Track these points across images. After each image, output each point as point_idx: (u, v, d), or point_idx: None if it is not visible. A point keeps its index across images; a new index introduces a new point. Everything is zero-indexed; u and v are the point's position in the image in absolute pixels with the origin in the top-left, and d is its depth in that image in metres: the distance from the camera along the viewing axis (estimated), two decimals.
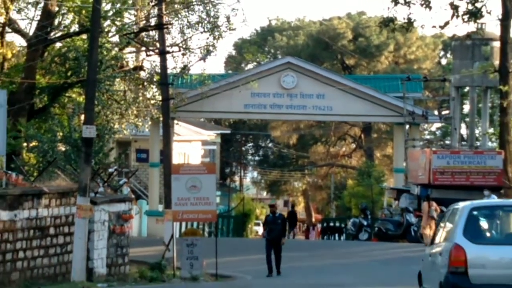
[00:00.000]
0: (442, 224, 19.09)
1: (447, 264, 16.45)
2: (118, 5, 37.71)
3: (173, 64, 40.17)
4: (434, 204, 42.20)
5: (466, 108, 58.66)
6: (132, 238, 36.51)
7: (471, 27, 49.48)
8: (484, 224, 17.40)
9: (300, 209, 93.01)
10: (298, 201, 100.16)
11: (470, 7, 46.74)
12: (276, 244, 31.88)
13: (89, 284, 27.13)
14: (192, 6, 39.39)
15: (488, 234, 17.44)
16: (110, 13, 37.36)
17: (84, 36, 36.52)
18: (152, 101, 40.27)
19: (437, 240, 18.70)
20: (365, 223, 51.17)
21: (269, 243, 32.00)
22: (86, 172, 28.30)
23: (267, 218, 34.48)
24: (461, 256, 16.18)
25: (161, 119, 40.23)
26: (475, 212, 17.43)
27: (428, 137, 73.11)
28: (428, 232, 40.03)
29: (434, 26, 58.65)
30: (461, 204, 18.51)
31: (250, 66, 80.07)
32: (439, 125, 74.61)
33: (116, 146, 49.73)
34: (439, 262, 17.44)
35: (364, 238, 49.43)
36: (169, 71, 38.92)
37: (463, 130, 58.97)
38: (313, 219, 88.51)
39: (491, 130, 55.25)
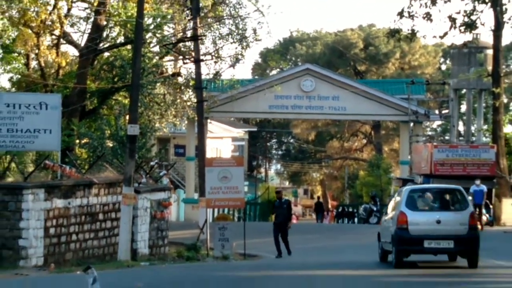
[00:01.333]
0: (392, 200, 26.33)
1: (396, 224, 22.46)
2: (159, 20, 37.22)
3: (206, 71, 40.22)
4: None
5: (463, 108, 57.87)
6: (171, 222, 35.76)
7: (467, 36, 48.84)
8: (417, 199, 23.90)
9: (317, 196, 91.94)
10: (316, 189, 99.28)
11: (466, 19, 46.02)
12: (282, 227, 30.69)
13: (133, 263, 26.46)
14: (223, 20, 39.33)
15: (419, 205, 23.72)
16: (152, 26, 37.28)
17: (129, 47, 36.65)
18: (188, 103, 40.13)
19: (389, 211, 25.40)
20: (374, 208, 50.76)
21: (276, 227, 30.90)
22: (131, 165, 27.67)
23: (274, 203, 33.77)
24: (404, 218, 22.24)
25: (196, 118, 39.89)
26: (412, 193, 24.35)
27: (430, 133, 72.32)
28: None
29: (434, 36, 57.42)
30: (404, 188, 29.05)
31: (273, 72, 79.63)
32: (439, 122, 74.30)
33: (157, 142, 49.47)
34: (391, 224, 23.60)
35: (374, 222, 48.84)
36: (203, 76, 39.08)
37: (461, 127, 58.29)
38: (329, 205, 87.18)
39: (485, 127, 55.04)
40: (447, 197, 25.49)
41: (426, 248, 23.54)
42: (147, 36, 35.86)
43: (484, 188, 40.16)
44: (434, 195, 25.74)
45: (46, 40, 39.97)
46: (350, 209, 59.80)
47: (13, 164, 29.59)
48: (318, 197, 54.63)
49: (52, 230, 25.54)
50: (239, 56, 40.78)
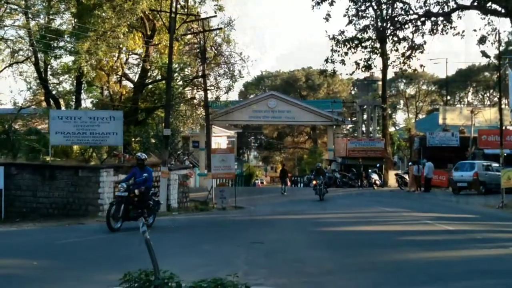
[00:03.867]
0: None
1: None
2: (181, 65, 37.79)
3: (211, 96, 40.19)
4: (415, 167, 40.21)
5: (365, 116, 59.17)
6: (191, 188, 35.73)
7: (366, 74, 49.81)
8: None
9: (279, 171, 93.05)
10: (278, 167, 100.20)
11: (365, 63, 47.06)
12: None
13: (168, 213, 26.87)
14: (220, 65, 39.45)
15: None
16: (177, 69, 37.28)
17: (163, 81, 36.77)
18: (200, 116, 40.35)
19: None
20: (313, 177, 51.50)
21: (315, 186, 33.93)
22: (166, 153, 28.15)
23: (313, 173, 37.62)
24: None
25: (205, 124, 40.30)
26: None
27: (345, 132, 73.15)
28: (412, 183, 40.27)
29: (347, 74, 57.81)
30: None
31: (251, 96, 79.78)
32: (350, 125, 74.66)
33: (181, 139, 49.88)
34: None
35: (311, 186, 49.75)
36: (208, 99, 38.88)
37: (364, 128, 59.43)
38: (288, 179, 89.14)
39: (377, 128, 55.57)
40: None
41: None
42: (174, 75, 35.41)
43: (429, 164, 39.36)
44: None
45: (113, 78, 39.02)
46: (298, 179, 61.17)
47: (94, 154, 30.13)
48: (283, 164, 55.47)
49: None
50: (231, 87, 39.42)
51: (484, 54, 38.43)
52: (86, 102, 43.41)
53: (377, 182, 45.74)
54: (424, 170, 39.23)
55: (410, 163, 40.41)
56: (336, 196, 36.64)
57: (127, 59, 41.35)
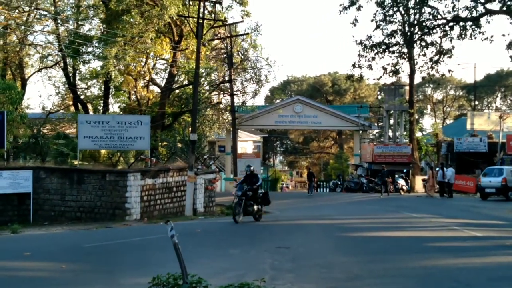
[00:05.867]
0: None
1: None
2: (208, 70, 37.95)
3: (237, 101, 40.29)
4: (432, 172, 40.08)
5: (392, 121, 58.93)
6: (217, 192, 35.36)
7: (394, 79, 49.47)
8: None
9: (304, 176, 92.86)
10: (304, 172, 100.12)
11: (393, 68, 46.87)
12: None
13: (194, 217, 27.13)
14: (247, 70, 39.51)
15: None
16: (204, 74, 37.46)
17: (190, 86, 36.87)
18: (226, 120, 40.40)
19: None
20: (339, 182, 51.31)
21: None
22: (192, 158, 28.31)
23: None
24: None
25: (231, 129, 40.37)
26: None
27: (371, 137, 72.86)
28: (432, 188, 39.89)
29: (374, 79, 57.50)
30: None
31: (277, 101, 79.86)
32: (377, 130, 74.32)
33: (208, 144, 50.06)
34: None
35: (339, 191, 49.49)
36: (235, 104, 38.92)
37: (390, 133, 59.16)
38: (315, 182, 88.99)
39: (404, 133, 55.17)
40: None
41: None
42: (201, 80, 35.91)
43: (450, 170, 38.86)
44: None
45: (141, 83, 40.29)
46: (324, 183, 61.00)
47: (121, 158, 30.53)
48: (309, 168, 55.32)
49: (145, 197, 26.10)
50: (257, 92, 41.14)
51: None
52: (114, 107, 43.85)
53: (404, 188, 45.50)
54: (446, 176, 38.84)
55: (437, 168, 39.89)
56: (363, 201, 36.47)
57: (154, 64, 41.94)
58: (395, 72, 47.11)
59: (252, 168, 23.55)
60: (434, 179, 39.58)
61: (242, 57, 40.32)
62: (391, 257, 13.64)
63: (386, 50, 46.71)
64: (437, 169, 39.44)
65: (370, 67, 46.81)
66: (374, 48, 46.56)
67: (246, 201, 22.08)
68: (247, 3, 38.12)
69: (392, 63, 46.93)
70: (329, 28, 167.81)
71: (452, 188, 39.15)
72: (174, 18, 34.65)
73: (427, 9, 45.54)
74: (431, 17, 45.32)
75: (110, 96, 40.67)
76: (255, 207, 22.52)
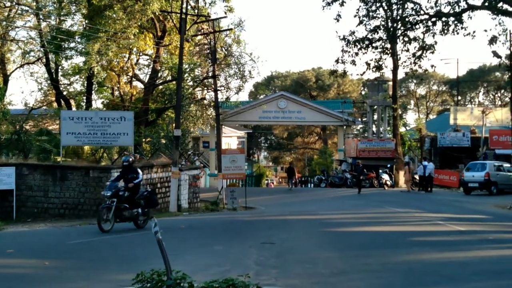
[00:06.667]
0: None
1: None
2: (192, 65, 37.80)
3: (221, 96, 40.17)
4: (409, 168, 41.15)
5: (376, 117, 59.04)
6: (201, 188, 35.79)
7: (377, 74, 49.54)
8: None
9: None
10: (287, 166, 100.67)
11: (376, 64, 46.91)
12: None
13: (178, 213, 27.04)
14: (230, 66, 39.42)
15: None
16: (188, 70, 37.35)
17: (174, 82, 36.77)
18: (210, 116, 40.26)
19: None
20: (323, 178, 51.33)
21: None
22: (176, 154, 28.21)
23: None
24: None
25: (215, 125, 40.25)
26: None
27: (355, 132, 73.11)
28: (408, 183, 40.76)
29: (357, 74, 57.68)
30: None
31: (261, 96, 79.91)
32: (361, 126, 74.53)
33: (192, 140, 49.94)
34: None
35: (323, 186, 49.51)
36: (219, 100, 38.76)
37: (374, 128, 59.35)
38: (296, 176, 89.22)
39: (388, 128, 55.45)
40: None
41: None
42: (185, 76, 35.63)
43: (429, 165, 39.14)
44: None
45: (124, 79, 40.03)
46: (309, 178, 61.00)
47: (105, 154, 30.19)
48: (290, 163, 55.15)
49: None
50: (241, 87, 40.97)
51: (495, 54, 38.11)
52: (97, 103, 43.64)
53: (388, 183, 45.71)
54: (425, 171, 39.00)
55: (424, 162, 39.90)
56: (347, 196, 36.55)
57: (137, 60, 41.86)
58: (378, 68, 47.07)
59: (130, 159, 18.75)
60: (409, 174, 40.35)
61: (226, 52, 40.22)
62: (375, 252, 13.68)
63: (369, 45, 46.67)
64: (425, 163, 39.50)
65: (353, 62, 46.68)
66: (357, 44, 46.52)
67: (118, 204, 17.90)
68: None
69: (375, 59, 46.87)
70: (312, 23, 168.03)
71: (432, 182, 39.39)
72: (157, 13, 34.54)
73: (410, 5, 45.56)
74: (413, 12, 45.35)
75: (93, 92, 40.51)
76: (134, 210, 18.36)
